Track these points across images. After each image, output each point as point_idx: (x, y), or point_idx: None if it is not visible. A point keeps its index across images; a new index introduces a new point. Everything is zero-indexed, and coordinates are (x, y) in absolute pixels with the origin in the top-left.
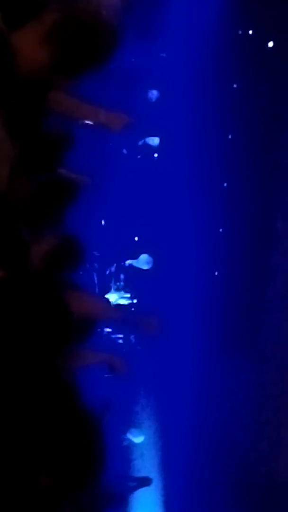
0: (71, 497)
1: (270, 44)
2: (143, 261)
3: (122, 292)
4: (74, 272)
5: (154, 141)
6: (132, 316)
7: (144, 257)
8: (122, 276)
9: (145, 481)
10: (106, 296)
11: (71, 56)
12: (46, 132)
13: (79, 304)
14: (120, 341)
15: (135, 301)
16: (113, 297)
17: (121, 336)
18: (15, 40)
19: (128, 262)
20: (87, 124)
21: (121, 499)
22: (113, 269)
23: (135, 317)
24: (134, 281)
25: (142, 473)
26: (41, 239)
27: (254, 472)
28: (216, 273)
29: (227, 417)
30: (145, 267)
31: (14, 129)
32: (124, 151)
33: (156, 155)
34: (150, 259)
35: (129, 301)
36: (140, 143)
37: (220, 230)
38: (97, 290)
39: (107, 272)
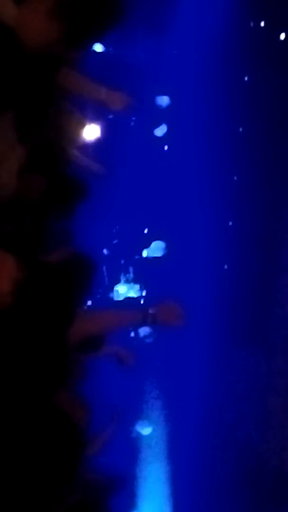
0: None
1: (282, 36)
2: (155, 249)
3: (132, 284)
4: (86, 290)
5: (162, 130)
6: (149, 311)
7: (156, 244)
8: (131, 268)
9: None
10: (116, 288)
11: (78, 28)
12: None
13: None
14: (132, 334)
15: (144, 293)
16: (122, 289)
17: (130, 328)
18: (22, 16)
19: (138, 253)
20: (89, 100)
21: (122, 488)
22: (122, 261)
23: (153, 310)
24: (143, 273)
25: (150, 465)
26: (52, 251)
27: (263, 463)
28: (225, 266)
29: (235, 408)
30: (158, 254)
31: (23, 128)
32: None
33: (166, 147)
34: (163, 244)
35: (138, 293)
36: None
37: (230, 223)
38: (106, 282)
39: (117, 264)
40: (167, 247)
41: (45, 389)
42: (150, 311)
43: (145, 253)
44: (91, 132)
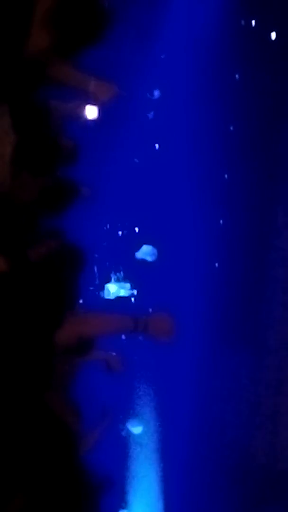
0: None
1: (273, 35)
2: (145, 252)
3: (123, 283)
4: (75, 281)
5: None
6: (140, 318)
7: (147, 248)
8: (122, 268)
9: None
10: (106, 287)
11: (68, 38)
12: (48, 130)
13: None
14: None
15: (135, 292)
16: (113, 288)
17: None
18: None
19: (129, 252)
20: (78, 94)
21: (113, 486)
22: (113, 260)
23: (144, 319)
24: (134, 273)
25: (140, 463)
26: (41, 242)
27: (252, 461)
28: (216, 265)
29: (226, 407)
30: (148, 259)
31: (18, 127)
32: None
33: (157, 146)
34: (154, 250)
35: (129, 292)
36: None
37: (221, 221)
38: (97, 281)
39: (107, 263)
40: (158, 246)
41: (32, 386)
42: (142, 319)
43: (136, 253)
44: (90, 113)
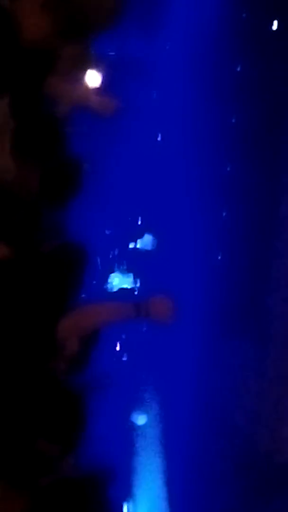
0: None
1: (275, 25)
2: (147, 242)
3: (126, 275)
4: (78, 279)
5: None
6: (141, 303)
7: (148, 237)
8: (125, 259)
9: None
10: (110, 279)
11: (72, 21)
12: (49, 118)
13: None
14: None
15: (138, 283)
16: (116, 280)
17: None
18: (17, 8)
19: (131, 243)
20: (79, 109)
21: (117, 478)
22: (116, 252)
23: (145, 304)
24: (137, 264)
25: (144, 454)
26: (43, 242)
27: (254, 452)
28: (219, 257)
29: (228, 397)
30: (149, 248)
31: (18, 114)
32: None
33: (159, 138)
34: (155, 239)
35: (133, 284)
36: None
37: (224, 213)
38: (100, 273)
39: (110, 255)
40: (161, 237)
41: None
42: (143, 304)
43: (139, 244)
44: (93, 78)
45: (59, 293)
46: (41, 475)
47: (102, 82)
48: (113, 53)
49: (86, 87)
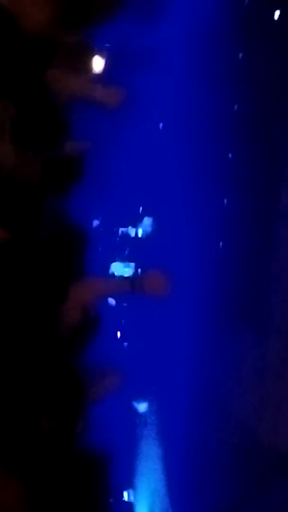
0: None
1: (277, 14)
2: (148, 230)
3: (127, 263)
4: (78, 261)
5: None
6: (136, 278)
7: (148, 220)
8: (125, 247)
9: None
10: (111, 266)
11: (72, 11)
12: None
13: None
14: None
15: (139, 271)
16: (117, 268)
17: (125, 305)
18: (15, 0)
19: (132, 232)
20: (83, 101)
21: (117, 465)
22: (117, 239)
23: (139, 278)
24: (138, 252)
25: (144, 443)
26: (43, 221)
27: (255, 441)
28: (220, 244)
29: (229, 386)
30: (149, 236)
31: (19, 102)
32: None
33: (161, 125)
34: (155, 228)
35: (133, 271)
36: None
37: (225, 201)
38: (101, 260)
39: (111, 243)
40: (162, 225)
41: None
42: (137, 279)
43: (139, 233)
44: (95, 69)
45: (59, 276)
46: (37, 457)
47: (104, 73)
48: (112, 43)
49: (89, 78)
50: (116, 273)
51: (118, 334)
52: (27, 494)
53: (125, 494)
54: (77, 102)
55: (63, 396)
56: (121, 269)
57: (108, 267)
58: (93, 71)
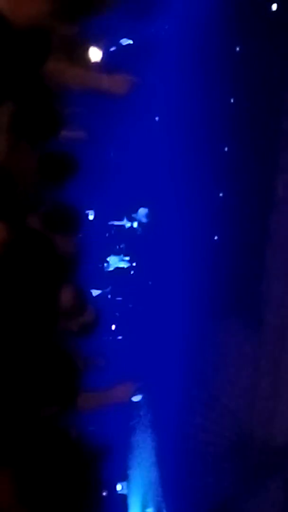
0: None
1: (274, 6)
2: (142, 214)
3: (122, 255)
4: (74, 237)
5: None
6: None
7: (143, 210)
8: (121, 240)
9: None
10: (107, 259)
11: (70, 3)
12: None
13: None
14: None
15: (134, 264)
16: (113, 260)
17: (120, 298)
18: None
19: (128, 224)
20: (89, 91)
21: (111, 457)
22: (113, 232)
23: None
24: (133, 244)
25: (138, 436)
26: (38, 209)
27: (249, 434)
28: (216, 238)
29: (224, 380)
30: (144, 220)
31: (16, 96)
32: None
33: (157, 118)
34: (151, 220)
35: (129, 264)
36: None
37: (221, 194)
38: (97, 253)
39: (107, 235)
40: (157, 218)
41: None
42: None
43: (135, 225)
44: (94, 54)
45: (54, 264)
46: (30, 449)
47: (105, 63)
48: (110, 35)
49: (92, 68)
50: (111, 265)
51: (113, 327)
52: (19, 487)
53: (119, 486)
54: (82, 93)
55: (59, 383)
56: (116, 260)
57: (104, 259)
58: (93, 62)
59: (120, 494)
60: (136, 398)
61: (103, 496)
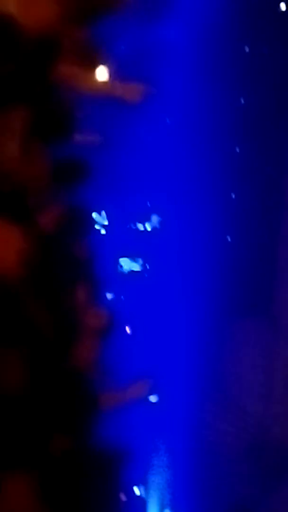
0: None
1: (283, 6)
2: (156, 223)
3: (135, 258)
4: (85, 237)
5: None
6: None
7: (157, 219)
8: (134, 242)
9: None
10: (120, 261)
11: (78, 6)
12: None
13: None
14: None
15: (147, 266)
16: (126, 263)
17: (134, 300)
18: None
19: (141, 226)
20: (102, 97)
21: (130, 460)
22: (126, 235)
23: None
24: (147, 247)
25: (155, 436)
26: (48, 209)
27: (266, 433)
28: (228, 238)
29: (239, 378)
30: (157, 222)
31: (30, 99)
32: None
33: (168, 120)
34: (163, 222)
35: (142, 267)
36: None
37: (233, 195)
38: (110, 256)
39: (120, 237)
40: (170, 220)
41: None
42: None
43: (148, 227)
44: (101, 73)
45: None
46: (47, 453)
47: (113, 69)
48: (120, 38)
49: (106, 75)
50: (125, 268)
51: (127, 329)
52: (40, 491)
53: (136, 489)
54: (94, 97)
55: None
56: (129, 263)
57: (118, 262)
58: (104, 66)
59: (137, 497)
60: (153, 399)
61: (122, 499)
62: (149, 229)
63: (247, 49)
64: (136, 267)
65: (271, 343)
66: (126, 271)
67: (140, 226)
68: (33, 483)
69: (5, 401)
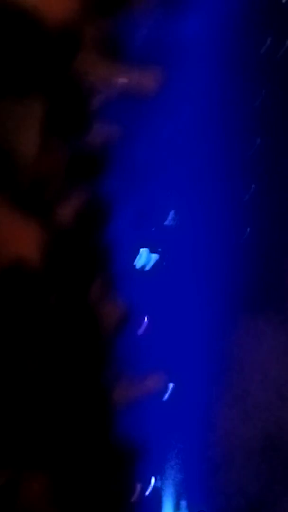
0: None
1: None
2: (173, 220)
3: (154, 252)
4: (104, 230)
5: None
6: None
7: (174, 215)
8: (153, 236)
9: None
10: (139, 255)
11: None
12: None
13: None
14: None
15: (164, 260)
16: (145, 257)
17: (151, 294)
18: None
19: (159, 222)
20: (120, 86)
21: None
22: (144, 230)
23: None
24: (165, 241)
25: (170, 432)
26: (67, 201)
27: (282, 430)
28: (246, 233)
29: (252, 377)
30: (175, 225)
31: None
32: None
33: (187, 118)
34: (181, 218)
35: (159, 260)
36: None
37: (253, 186)
38: (129, 250)
39: (139, 231)
40: (188, 214)
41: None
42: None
43: (167, 223)
44: (120, 65)
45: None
46: (63, 450)
47: (137, 60)
48: (142, 31)
49: (123, 66)
50: (143, 261)
51: (145, 321)
52: (56, 488)
53: (152, 480)
54: (114, 89)
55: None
56: (147, 257)
57: (135, 255)
58: (124, 59)
59: (154, 492)
60: (169, 392)
61: (139, 496)
62: (166, 223)
63: (269, 41)
64: (153, 260)
65: (286, 340)
66: (143, 264)
67: (158, 220)
68: (49, 483)
69: (23, 400)
